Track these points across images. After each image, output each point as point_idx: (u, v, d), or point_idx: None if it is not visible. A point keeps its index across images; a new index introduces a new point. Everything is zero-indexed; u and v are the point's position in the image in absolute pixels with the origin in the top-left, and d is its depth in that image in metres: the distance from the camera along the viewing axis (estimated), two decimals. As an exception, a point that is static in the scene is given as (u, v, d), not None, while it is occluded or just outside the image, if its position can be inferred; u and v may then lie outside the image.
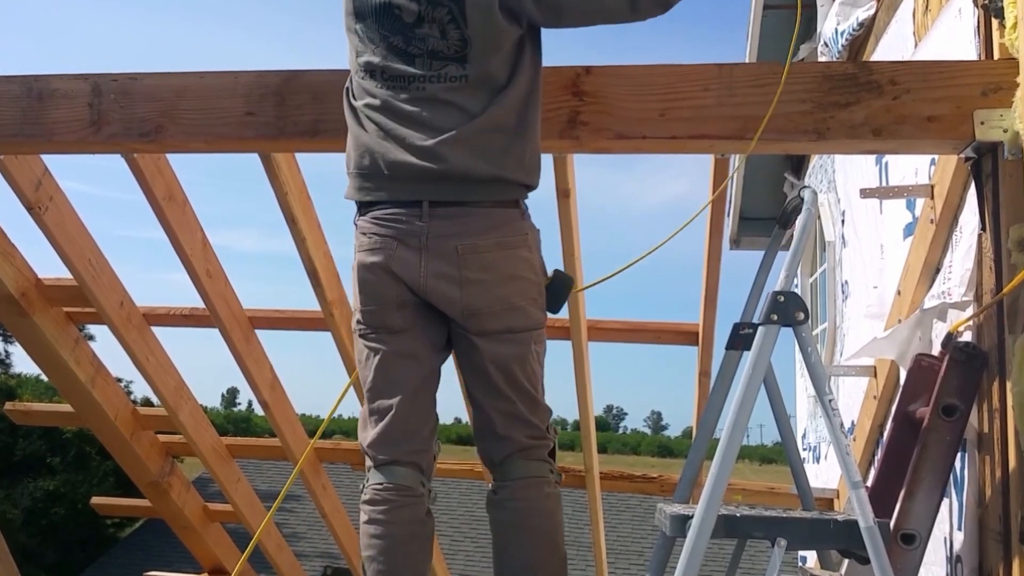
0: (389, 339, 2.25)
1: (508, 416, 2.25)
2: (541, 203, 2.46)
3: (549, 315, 2.35)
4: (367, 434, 2.26)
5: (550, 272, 2.33)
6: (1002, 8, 2.23)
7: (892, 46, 3.41)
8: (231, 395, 79.02)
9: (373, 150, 2.21)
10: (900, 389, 2.51)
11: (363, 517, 2.21)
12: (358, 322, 2.29)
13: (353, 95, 2.31)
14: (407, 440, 2.24)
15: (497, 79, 2.20)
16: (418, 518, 2.22)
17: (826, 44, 4.42)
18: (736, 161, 3.06)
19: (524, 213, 2.26)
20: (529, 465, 2.25)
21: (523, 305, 2.23)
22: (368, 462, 2.26)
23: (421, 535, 2.23)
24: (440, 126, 2.16)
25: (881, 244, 3.52)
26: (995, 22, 2.33)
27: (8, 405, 5.06)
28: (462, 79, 2.18)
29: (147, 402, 13.10)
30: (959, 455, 2.41)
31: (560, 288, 2.33)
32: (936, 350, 2.47)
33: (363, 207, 2.26)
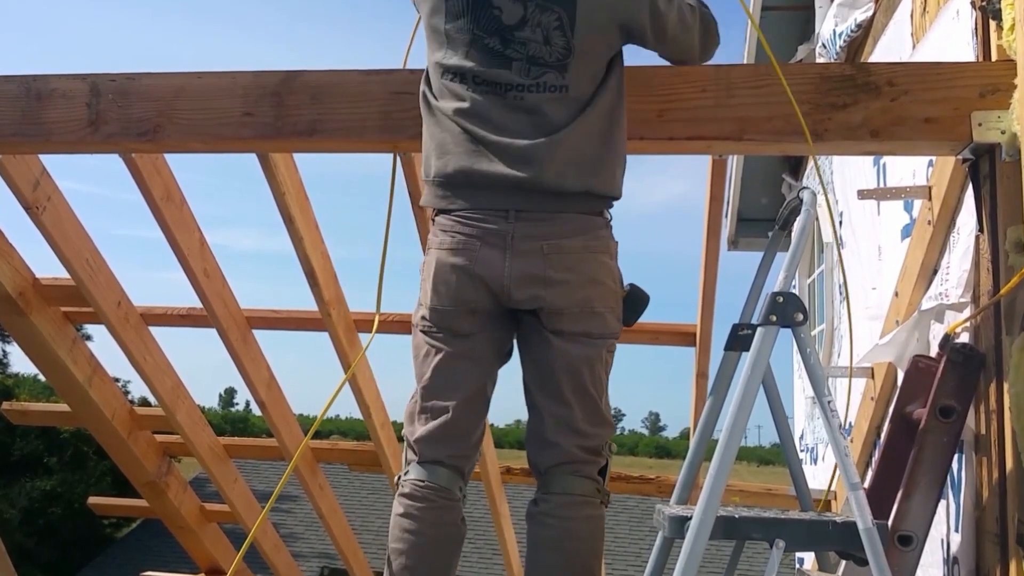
0: (454, 341, 2.21)
1: (561, 422, 2.19)
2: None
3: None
4: (415, 428, 2.22)
5: (627, 286, 2.31)
6: (1000, 10, 2.23)
7: (890, 48, 3.42)
8: (228, 395, 78.95)
9: (459, 158, 2.17)
10: (897, 390, 2.51)
11: (398, 509, 2.18)
12: (423, 318, 2.25)
13: (434, 95, 2.26)
14: (456, 443, 2.21)
15: (586, 92, 2.18)
16: (454, 521, 2.19)
17: (824, 45, 4.43)
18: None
19: (608, 223, 2.24)
20: (575, 481, 2.18)
21: (602, 311, 2.19)
22: (410, 455, 2.24)
23: (454, 539, 2.20)
24: (534, 136, 2.13)
25: (879, 245, 3.53)
26: (993, 24, 2.33)
27: (5, 405, 5.06)
28: (562, 89, 2.15)
29: (144, 402, 13.07)
30: (956, 457, 2.41)
31: (637, 301, 2.30)
32: (933, 351, 2.48)
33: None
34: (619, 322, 2.25)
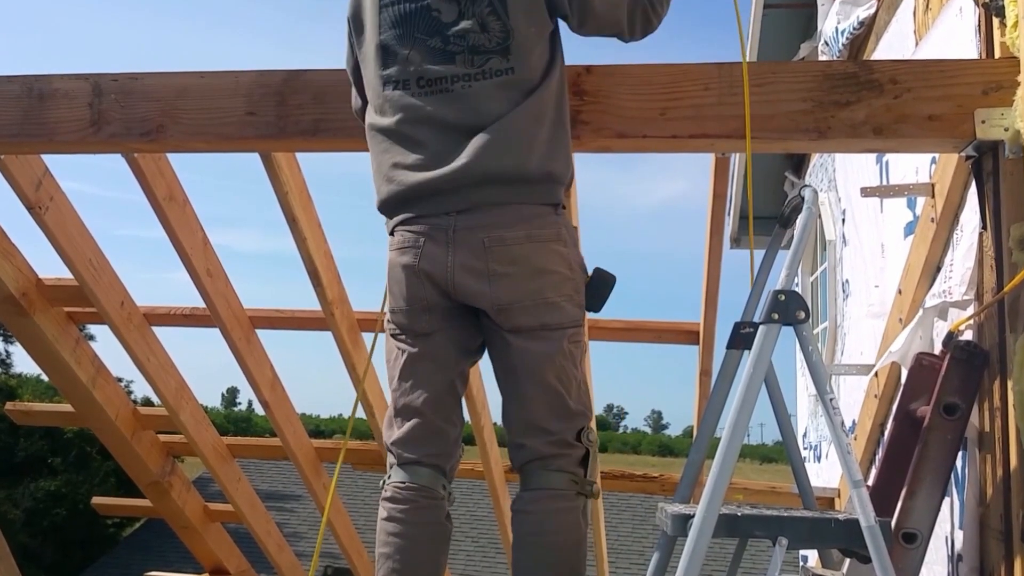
0: (416, 341, 2.23)
1: (525, 423, 2.18)
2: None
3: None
4: (392, 432, 2.25)
5: (591, 270, 2.27)
6: (1003, 7, 2.23)
7: (893, 45, 3.42)
8: (231, 395, 79.08)
9: (395, 174, 2.18)
10: (901, 388, 2.51)
11: (382, 514, 2.20)
12: (388, 321, 2.28)
13: (374, 113, 2.26)
14: (430, 442, 2.22)
15: (533, 76, 2.16)
16: (438, 520, 2.20)
17: (827, 43, 4.42)
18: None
19: (557, 209, 2.19)
20: (545, 476, 2.16)
21: (556, 300, 2.15)
22: (391, 459, 2.25)
23: (439, 537, 2.21)
24: (476, 125, 2.12)
25: (882, 243, 3.52)
26: (996, 21, 2.33)
27: (9, 405, 5.06)
28: (508, 71, 2.14)
29: (148, 402, 13.11)
30: (960, 454, 2.41)
31: (600, 286, 2.26)
32: (937, 349, 2.47)
33: None
34: (580, 309, 2.22)
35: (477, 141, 2.11)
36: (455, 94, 2.15)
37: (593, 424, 2.29)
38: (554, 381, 2.17)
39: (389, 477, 2.23)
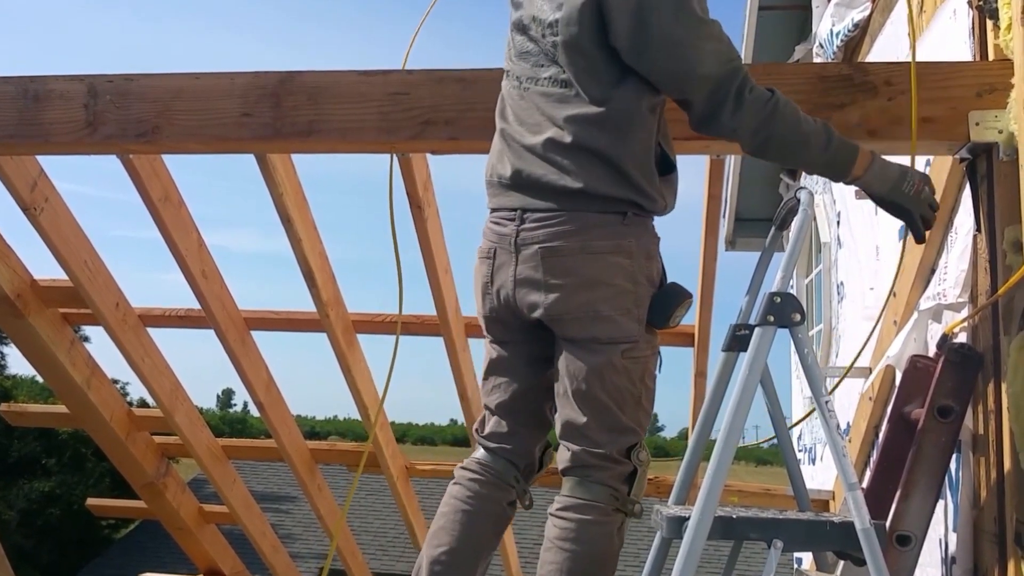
0: (495, 345, 2.30)
1: (570, 428, 2.15)
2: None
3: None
4: (478, 423, 2.36)
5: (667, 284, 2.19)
6: (996, 9, 2.23)
7: (887, 47, 3.42)
8: (226, 396, 78.80)
9: (492, 159, 2.27)
10: (895, 390, 2.51)
11: (452, 480, 2.28)
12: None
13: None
14: (506, 440, 2.28)
15: (591, 92, 2.09)
16: (499, 500, 2.26)
17: (821, 45, 4.43)
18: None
19: (626, 219, 2.09)
20: (585, 486, 2.12)
21: (610, 314, 2.09)
22: (477, 441, 2.34)
23: (495, 516, 2.26)
24: (537, 131, 2.15)
25: (877, 245, 3.53)
26: (990, 23, 2.33)
27: (3, 406, 5.04)
28: (563, 83, 2.13)
29: (142, 403, 13.05)
30: (954, 456, 2.41)
31: (665, 300, 2.16)
32: (931, 351, 2.48)
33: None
34: (638, 324, 2.13)
35: (523, 148, 2.17)
36: (523, 95, 2.21)
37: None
38: (603, 395, 2.11)
39: (471, 455, 2.32)
